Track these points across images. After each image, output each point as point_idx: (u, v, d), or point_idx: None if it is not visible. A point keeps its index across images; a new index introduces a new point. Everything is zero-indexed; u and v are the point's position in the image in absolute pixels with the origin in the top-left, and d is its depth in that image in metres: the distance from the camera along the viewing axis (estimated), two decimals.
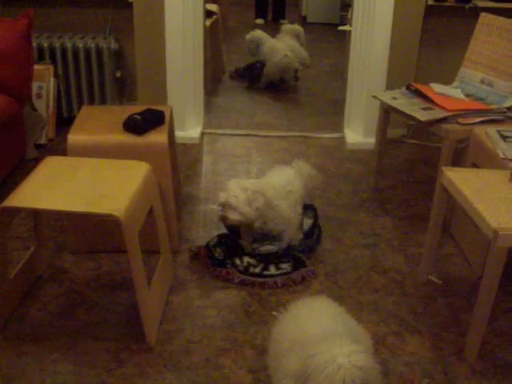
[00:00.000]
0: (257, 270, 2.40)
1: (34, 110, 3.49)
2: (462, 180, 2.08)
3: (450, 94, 2.89)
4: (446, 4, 3.58)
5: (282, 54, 4.82)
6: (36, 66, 3.36)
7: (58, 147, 3.50)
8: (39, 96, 3.59)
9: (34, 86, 3.50)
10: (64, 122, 3.69)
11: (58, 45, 3.64)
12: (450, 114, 2.65)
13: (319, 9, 7.39)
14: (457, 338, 2.10)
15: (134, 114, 2.43)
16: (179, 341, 2.06)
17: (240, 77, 5.18)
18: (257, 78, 4.97)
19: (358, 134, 3.75)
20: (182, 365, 1.95)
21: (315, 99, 4.72)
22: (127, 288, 2.31)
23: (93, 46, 3.65)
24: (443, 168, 2.19)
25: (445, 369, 1.97)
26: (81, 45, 3.65)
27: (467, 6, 3.55)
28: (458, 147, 2.67)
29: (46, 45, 3.64)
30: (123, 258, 2.47)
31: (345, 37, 5.06)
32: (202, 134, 3.84)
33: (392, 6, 3.41)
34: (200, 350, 2.02)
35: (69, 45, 3.65)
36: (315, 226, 2.65)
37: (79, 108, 2.81)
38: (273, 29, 5.83)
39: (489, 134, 2.43)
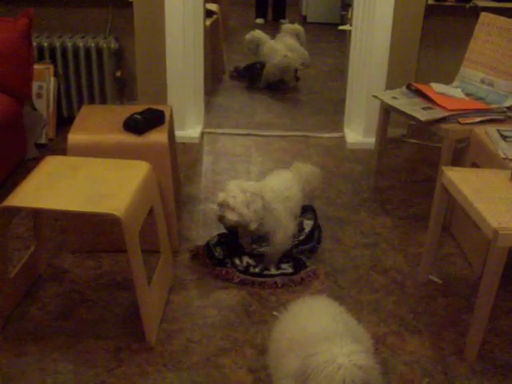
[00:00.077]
0: (257, 270, 2.40)
1: (34, 109, 3.48)
2: (462, 180, 2.08)
3: (450, 93, 2.89)
4: (446, 4, 3.58)
5: (281, 54, 4.83)
6: (36, 66, 3.36)
7: (59, 147, 3.50)
8: (39, 96, 3.59)
9: (34, 85, 3.50)
10: (64, 121, 3.69)
11: (58, 44, 3.64)
12: (450, 113, 2.65)
13: (319, 8, 7.39)
14: (457, 338, 2.10)
15: (135, 113, 2.43)
16: (179, 340, 2.06)
17: (240, 76, 5.18)
18: (256, 78, 4.97)
19: (358, 133, 3.75)
20: (182, 364, 1.95)
21: (315, 99, 4.72)
22: (127, 288, 2.31)
23: (93, 45, 3.65)
24: (443, 168, 2.19)
25: (445, 368, 1.97)
26: (81, 44, 3.65)
27: (467, 6, 3.55)
28: (458, 147, 2.67)
29: (46, 44, 3.64)
30: (123, 258, 2.47)
31: (345, 36, 5.05)
32: (202, 133, 3.84)
33: (392, 5, 3.41)
34: (200, 349, 2.02)
35: (69, 44, 3.65)
36: (315, 227, 2.65)
37: (79, 108, 2.81)
38: (273, 28, 5.83)
39: (489, 134, 2.43)
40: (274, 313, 2.18)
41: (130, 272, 1.96)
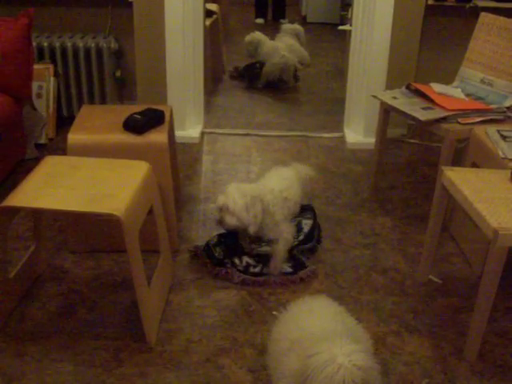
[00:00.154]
0: (256, 270, 2.40)
1: (34, 109, 3.48)
2: (461, 180, 2.08)
3: (450, 93, 2.89)
4: (446, 4, 3.58)
5: (280, 54, 4.84)
6: (36, 66, 3.36)
7: (58, 147, 3.51)
8: (39, 95, 3.59)
9: (34, 85, 3.50)
10: (64, 121, 3.69)
11: (57, 44, 3.64)
12: (450, 113, 2.65)
13: (319, 8, 7.39)
14: (457, 338, 2.10)
15: (134, 113, 2.43)
16: (179, 340, 2.06)
17: (240, 76, 5.19)
18: (256, 77, 4.98)
19: (358, 133, 3.75)
20: (181, 364, 1.95)
21: (315, 99, 4.72)
22: (127, 287, 2.31)
23: (93, 45, 3.65)
24: (443, 168, 2.19)
25: (444, 368, 1.97)
26: (81, 44, 3.65)
27: (467, 6, 3.55)
28: (458, 147, 2.67)
29: (45, 44, 3.64)
30: (123, 258, 2.47)
31: (345, 36, 5.05)
32: (202, 133, 3.84)
33: (392, 5, 3.41)
34: (200, 349, 2.02)
35: (69, 44, 3.65)
36: (314, 226, 2.65)
37: (79, 107, 2.82)
38: (273, 28, 5.83)
39: (489, 134, 2.43)
40: (274, 313, 2.18)
41: (129, 272, 1.96)
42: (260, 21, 7.33)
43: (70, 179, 2.04)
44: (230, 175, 3.27)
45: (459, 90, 2.95)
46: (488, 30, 2.93)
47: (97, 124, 2.46)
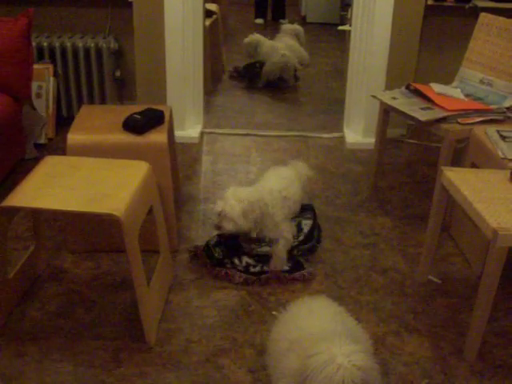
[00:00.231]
0: (256, 270, 2.40)
1: (34, 109, 3.48)
2: (461, 180, 2.08)
3: (449, 93, 2.89)
4: (446, 4, 3.58)
5: (280, 53, 4.85)
6: (35, 66, 3.36)
7: (58, 147, 3.50)
8: (39, 95, 3.58)
9: (34, 85, 3.50)
10: (63, 121, 3.68)
11: (57, 44, 3.64)
12: (450, 113, 2.65)
13: (319, 9, 7.39)
14: (456, 338, 2.10)
15: (134, 113, 2.43)
16: (178, 340, 2.06)
17: (239, 76, 5.19)
18: (256, 77, 4.98)
19: (357, 133, 3.75)
20: (181, 364, 1.95)
21: (315, 99, 4.72)
22: (127, 288, 2.31)
23: (92, 45, 3.65)
24: (443, 168, 2.19)
25: (444, 369, 1.97)
26: (80, 44, 3.65)
27: (467, 6, 3.55)
28: (458, 147, 2.67)
29: (45, 44, 3.64)
30: (123, 258, 2.47)
31: (344, 37, 5.05)
32: (202, 133, 3.84)
33: (392, 5, 3.41)
34: (199, 349, 2.02)
35: (68, 44, 3.65)
36: (314, 226, 2.65)
37: (79, 107, 2.82)
38: (272, 28, 5.84)
39: (488, 134, 2.43)
40: (274, 313, 2.18)
41: (129, 272, 1.96)
42: (260, 21, 7.33)
43: (69, 179, 2.04)
44: (230, 175, 3.27)
45: (459, 90, 2.95)
46: (488, 30, 2.93)
47: (96, 124, 2.46)
